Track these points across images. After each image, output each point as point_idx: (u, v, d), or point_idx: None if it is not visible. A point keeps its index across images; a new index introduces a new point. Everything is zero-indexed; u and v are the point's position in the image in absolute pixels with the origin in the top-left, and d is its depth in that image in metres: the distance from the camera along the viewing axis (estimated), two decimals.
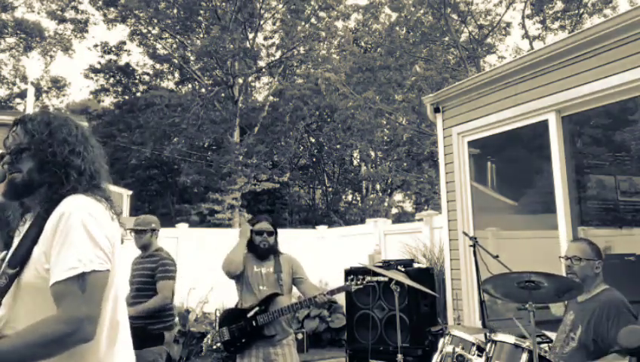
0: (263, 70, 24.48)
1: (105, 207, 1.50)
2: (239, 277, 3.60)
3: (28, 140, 1.52)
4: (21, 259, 1.41)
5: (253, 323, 3.46)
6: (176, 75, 26.06)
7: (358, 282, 3.54)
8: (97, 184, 1.56)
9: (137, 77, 26.26)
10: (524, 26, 22.46)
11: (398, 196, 27.31)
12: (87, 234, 1.39)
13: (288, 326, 3.59)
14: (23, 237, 1.46)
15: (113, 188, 13.01)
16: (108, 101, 26.92)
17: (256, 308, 3.47)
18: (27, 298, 1.40)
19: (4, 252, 2.21)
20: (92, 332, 1.35)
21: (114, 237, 1.48)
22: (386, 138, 23.21)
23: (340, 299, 6.47)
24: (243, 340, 3.49)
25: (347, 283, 3.58)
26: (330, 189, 26.27)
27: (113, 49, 25.37)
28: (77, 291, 1.33)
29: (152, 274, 3.86)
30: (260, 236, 3.61)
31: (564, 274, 2.86)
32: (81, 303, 1.33)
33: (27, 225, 1.50)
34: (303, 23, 23.21)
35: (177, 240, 8.27)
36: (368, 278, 3.57)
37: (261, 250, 3.60)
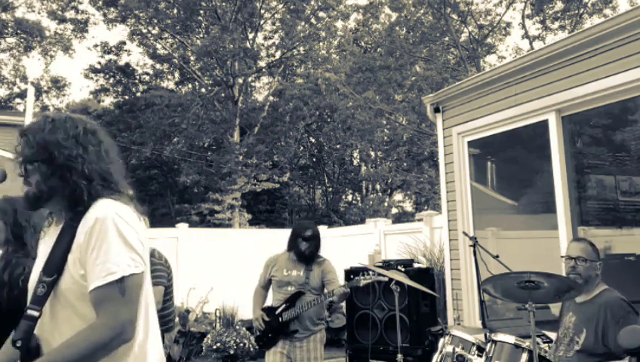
0: (263, 70, 24.47)
1: (131, 209, 1.53)
2: (271, 280, 3.89)
3: (28, 153, 1.53)
4: (57, 267, 1.43)
5: (280, 319, 3.69)
6: (176, 75, 26.04)
7: (367, 276, 3.70)
8: (112, 185, 1.55)
9: (137, 77, 26.23)
10: (524, 26, 22.47)
11: (398, 196, 27.32)
12: (121, 238, 1.42)
13: (313, 325, 3.74)
14: (55, 245, 1.48)
15: None
16: (108, 101, 26.91)
17: (283, 305, 3.71)
18: (65, 304, 1.43)
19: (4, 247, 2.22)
20: (133, 332, 1.40)
21: (143, 238, 1.52)
22: (386, 138, 23.19)
23: None
24: (270, 335, 3.73)
25: (357, 278, 3.72)
26: (330, 189, 26.27)
27: (113, 49, 25.34)
28: (117, 295, 1.37)
29: None
30: (306, 242, 3.79)
31: (564, 274, 2.86)
32: (123, 307, 1.38)
33: (55, 232, 1.52)
34: (302, 23, 23.20)
35: (177, 241, 8.27)
36: (374, 275, 3.70)
37: (305, 256, 3.79)
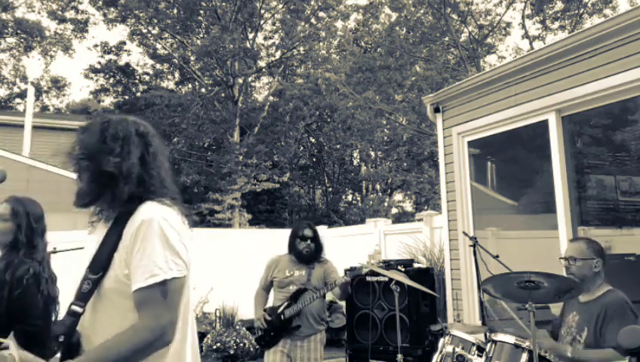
0: (263, 70, 24.46)
1: (176, 212, 1.56)
2: (272, 281, 3.88)
3: (81, 151, 1.58)
4: (102, 265, 1.47)
5: (282, 317, 3.68)
6: (177, 75, 26.03)
7: (367, 265, 3.70)
8: (159, 188, 1.58)
9: (137, 77, 26.23)
10: (524, 26, 22.48)
11: (398, 196, 27.32)
12: (166, 242, 1.45)
13: (316, 323, 3.74)
14: (102, 243, 1.52)
15: None
16: (108, 101, 26.91)
17: (285, 303, 3.70)
18: (107, 302, 1.46)
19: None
20: (173, 335, 1.43)
21: (187, 242, 1.54)
22: (386, 138, 23.19)
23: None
24: (272, 334, 3.70)
25: (358, 265, 3.73)
26: (330, 189, 26.27)
27: (113, 49, 25.35)
28: (159, 298, 1.40)
29: None
30: (304, 242, 3.77)
31: (564, 274, 2.85)
32: (164, 309, 1.40)
33: (103, 231, 1.55)
34: (302, 23, 23.20)
35: None
36: (375, 264, 3.77)
37: (303, 255, 3.78)
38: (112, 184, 1.52)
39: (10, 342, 1.29)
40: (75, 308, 1.45)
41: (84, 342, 1.45)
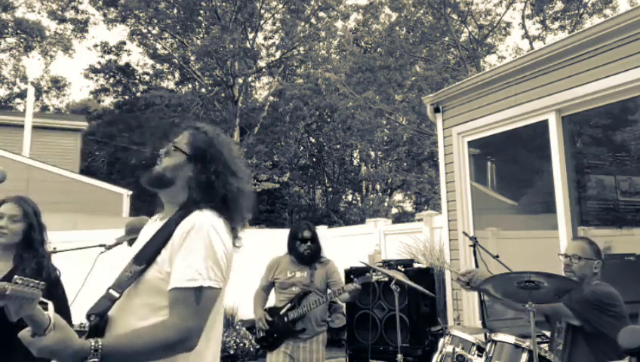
0: (263, 70, 24.46)
1: (228, 228, 1.60)
2: (273, 282, 3.87)
3: (186, 144, 1.66)
4: (148, 259, 1.51)
5: (285, 319, 3.67)
6: (177, 75, 26.03)
7: (377, 273, 3.68)
8: (233, 207, 1.64)
9: (137, 77, 26.23)
10: (524, 26, 22.48)
11: (398, 196, 27.31)
12: (211, 251, 1.48)
13: (318, 326, 3.73)
14: (152, 238, 1.56)
15: (113, 188, 13.00)
16: (108, 101, 26.91)
17: (289, 305, 3.69)
18: (144, 293, 1.50)
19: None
20: (197, 343, 1.44)
21: (231, 256, 1.60)
22: (386, 138, 23.18)
23: None
24: (275, 335, 3.69)
25: (367, 274, 3.71)
26: (330, 189, 26.26)
27: (113, 49, 25.34)
28: (192, 302, 1.43)
29: None
30: (304, 244, 3.77)
31: (563, 273, 2.86)
32: (194, 314, 1.42)
33: (156, 225, 1.61)
34: (302, 23, 23.20)
35: None
36: (378, 273, 3.70)
37: (304, 257, 3.78)
38: (197, 184, 1.60)
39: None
40: (113, 292, 1.49)
41: (109, 326, 1.48)
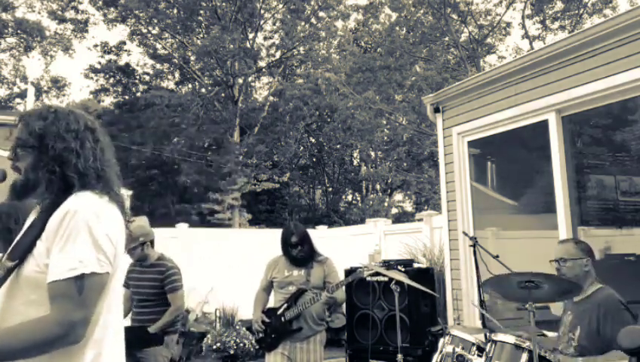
0: (263, 70, 24.46)
1: (111, 207, 1.48)
2: (272, 282, 3.86)
3: (24, 137, 1.49)
4: (22, 253, 1.40)
5: (282, 319, 3.66)
6: (177, 75, 26.03)
7: (369, 269, 3.72)
8: (102, 183, 1.51)
9: (137, 77, 26.23)
10: (524, 26, 22.48)
11: (398, 196, 27.31)
12: (90, 235, 1.37)
13: (316, 325, 3.72)
14: (27, 230, 1.45)
15: None
16: (108, 101, 26.91)
17: (285, 305, 3.68)
18: (26, 291, 1.39)
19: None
20: (83, 335, 1.35)
21: (118, 239, 1.47)
22: (386, 138, 23.18)
23: None
24: (273, 336, 3.69)
25: (359, 269, 3.74)
26: (330, 189, 26.26)
27: (113, 49, 25.34)
28: (74, 293, 1.32)
29: (161, 284, 3.81)
30: (295, 249, 3.74)
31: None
32: (77, 306, 1.33)
33: (32, 219, 1.49)
34: (302, 23, 23.20)
35: (177, 241, 8.26)
36: (376, 268, 3.73)
37: (298, 260, 3.76)
38: (53, 175, 1.46)
39: None
40: None
41: None
